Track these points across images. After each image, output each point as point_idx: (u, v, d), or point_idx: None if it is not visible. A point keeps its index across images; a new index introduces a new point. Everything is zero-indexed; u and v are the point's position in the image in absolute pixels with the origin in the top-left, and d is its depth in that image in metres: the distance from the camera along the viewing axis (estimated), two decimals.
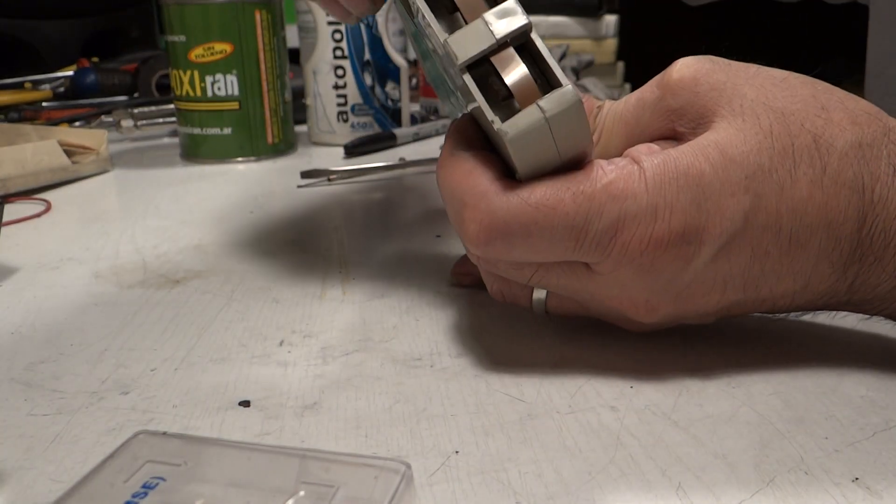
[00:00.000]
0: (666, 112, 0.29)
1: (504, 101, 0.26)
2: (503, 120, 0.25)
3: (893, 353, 0.31)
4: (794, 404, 0.27)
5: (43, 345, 0.33)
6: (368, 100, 0.76)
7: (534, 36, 0.26)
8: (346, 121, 0.77)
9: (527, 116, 0.25)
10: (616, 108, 0.30)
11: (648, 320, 0.28)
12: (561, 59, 0.90)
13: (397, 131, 0.76)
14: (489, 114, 0.26)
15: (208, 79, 0.69)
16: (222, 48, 0.68)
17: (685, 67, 0.28)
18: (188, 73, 0.69)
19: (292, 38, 0.77)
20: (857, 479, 0.23)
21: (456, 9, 0.26)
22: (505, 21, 0.25)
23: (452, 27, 0.26)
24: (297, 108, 0.79)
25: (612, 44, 1.20)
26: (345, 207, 0.56)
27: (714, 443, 0.25)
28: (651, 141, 0.29)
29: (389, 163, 0.65)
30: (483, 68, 0.26)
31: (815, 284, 0.28)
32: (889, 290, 0.28)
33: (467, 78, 0.26)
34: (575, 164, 0.27)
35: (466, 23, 0.26)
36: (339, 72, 0.74)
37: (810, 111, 0.27)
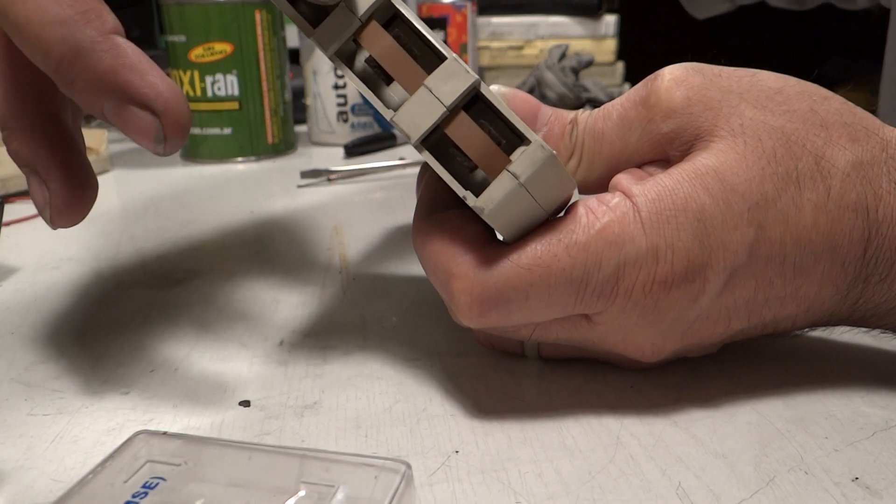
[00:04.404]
0: (657, 137, 0.27)
1: (471, 171, 0.24)
2: (476, 193, 0.23)
3: (893, 353, 0.31)
4: (794, 404, 0.27)
5: (43, 345, 0.33)
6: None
7: (484, 90, 0.23)
8: (346, 121, 0.77)
9: (500, 187, 0.23)
10: (594, 125, 0.28)
11: (653, 360, 0.27)
12: (561, 58, 0.90)
13: (397, 131, 0.76)
14: (459, 191, 0.24)
15: (208, 79, 0.69)
16: (222, 48, 0.68)
17: (674, 86, 0.26)
18: (188, 73, 0.69)
19: (292, 38, 0.77)
20: (857, 478, 0.23)
21: (391, 79, 0.24)
22: (450, 84, 0.23)
23: (394, 97, 0.24)
24: (297, 108, 0.79)
25: (612, 44, 1.20)
26: (345, 207, 0.56)
27: (714, 443, 0.25)
28: (639, 165, 0.28)
29: (389, 163, 0.65)
30: (438, 136, 0.24)
31: (818, 307, 0.27)
32: (893, 307, 0.27)
33: (426, 155, 0.24)
34: (560, 209, 0.26)
35: (409, 93, 0.24)
36: (339, 72, 0.74)
37: (810, 129, 0.26)
